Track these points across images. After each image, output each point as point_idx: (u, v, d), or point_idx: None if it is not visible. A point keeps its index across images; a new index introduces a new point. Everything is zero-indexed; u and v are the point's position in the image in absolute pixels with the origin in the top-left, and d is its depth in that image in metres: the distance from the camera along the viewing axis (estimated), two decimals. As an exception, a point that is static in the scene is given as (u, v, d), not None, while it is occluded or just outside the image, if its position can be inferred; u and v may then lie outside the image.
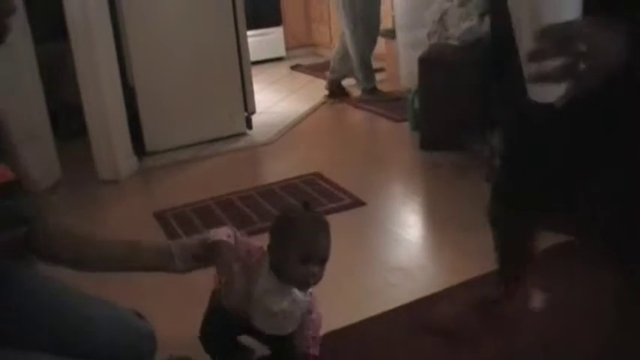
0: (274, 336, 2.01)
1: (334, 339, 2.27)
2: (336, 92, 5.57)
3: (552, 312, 2.35)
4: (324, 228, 1.89)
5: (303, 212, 1.92)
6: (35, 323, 1.30)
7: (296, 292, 1.90)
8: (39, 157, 3.63)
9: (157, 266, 1.59)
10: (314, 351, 2.02)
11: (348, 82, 5.66)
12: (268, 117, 5.16)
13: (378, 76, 5.69)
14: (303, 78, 6.54)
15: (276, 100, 5.70)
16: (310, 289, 1.95)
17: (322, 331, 2.23)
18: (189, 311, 2.48)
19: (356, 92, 5.60)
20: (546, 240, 2.78)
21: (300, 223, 1.88)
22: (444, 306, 2.41)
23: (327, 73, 5.64)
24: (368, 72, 5.42)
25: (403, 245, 3.00)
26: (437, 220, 3.27)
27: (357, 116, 5.24)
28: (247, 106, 4.75)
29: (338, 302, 2.49)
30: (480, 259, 2.71)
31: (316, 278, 1.86)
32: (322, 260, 1.85)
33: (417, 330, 2.32)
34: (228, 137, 4.63)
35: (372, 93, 5.44)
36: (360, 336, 2.31)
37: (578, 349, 2.14)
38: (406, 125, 4.63)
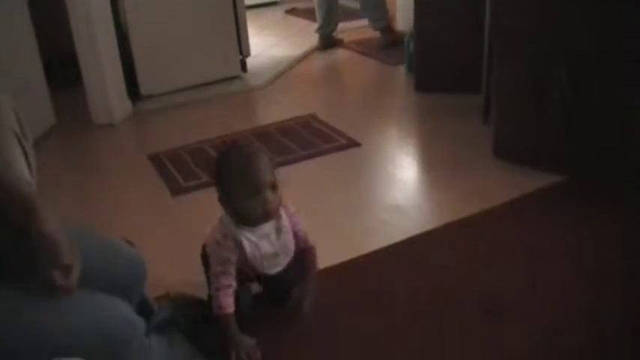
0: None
1: (329, 276, 2.30)
2: (328, 44, 5.45)
3: (542, 253, 2.38)
4: (256, 155, 1.90)
5: (231, 151, 1.94)
6: (14, 254, 1.30)
7: (269, 225, 1.93)
8: (33, 105, 3.61)
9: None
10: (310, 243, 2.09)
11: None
12: (263, 60, 5.11)
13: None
14: (298, 22, 6.46)
15: (271, 44, 5.64)
16: (282, 212, 1.97)
17: (319, 267, 2.27)
18: (183, 251, 2.51)
19: (347, 38, 5.54)
20: (540, 180, 2.81)
21: (231, 164, 1.90)
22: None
23: (317, 29, 5.48)
24: (378, 10, 5.26)
25: (398, 185, 3.01)
26: (431, 160, 3.27)
27: (352, 60, 5.20)
28: (242, 48, 4.71)
29: (333, 240, 2.51)
30: (474, 198, 2.74)
31: (273, 204, 1.87)
32: (271, 186, 1.86)
33: (412, 267, 2.35)
34: (223, 80, 4.59)
35: (385, 32, 5.28)
36: (354, 273, 2.34)
37: (570, 289, 2.17)
38: (402, 68, 4.61)
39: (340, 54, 5.36)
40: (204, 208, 2.85)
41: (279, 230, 1.96)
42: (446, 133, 3.49)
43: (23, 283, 1.24)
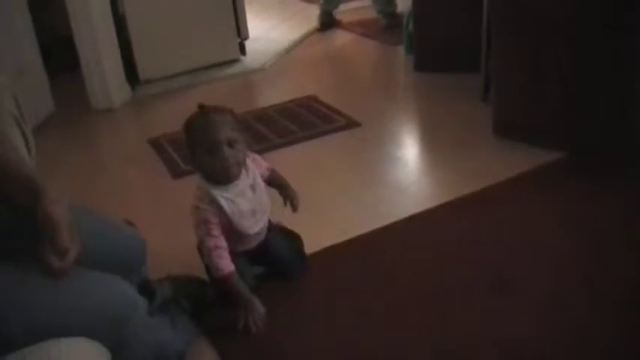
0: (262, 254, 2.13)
1: (330, 254, 2.31)
2: (327, 23, 5.45)
3: (543, 229, 2.39)
4: (214, 114, 1.95)
5: (195, 113, 1.99)
6: (16, 234, 1.31)
7: (243, 178, 2.00)
8: (31, 91, 3.60)
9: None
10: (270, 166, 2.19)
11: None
12: (262, 43, 5.09)
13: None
14: (296, 5, 6.43)
15: (270, 27, 5.62)
16: (248, 160, 2.04)
17: (316, 249, 2.28)
18: (185, 233, 2.52)
19: (345, 19, 5.53)
20: (540, 157, 2.81)
21: (193, 124, 1.96)
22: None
23: (319, 5, 5.50)
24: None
25: (398, 164, 3.01)
26: (431, 139, 3.27)
27: (351, 41, 5.19)
28: (240, 31, 4.69)
29: (333, 219, 2.52)
30: (475, 176, 2.74)
31: (231, 160, 1.92)
32: (228, 142, 1.91)
33: (413, 245, 2.36)
34: (222, 63, 4.58)
35: (392, 17, 5.27)
36: (355, 251, 2.34)
37: (572, 263, 2.18)
38: (401, 49, 4.60)
39: (339, 35, 5.35)
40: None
41: (253, 187, 2.03)
42: (445, 112, 3.49)
43: (21, 263, 1.24)
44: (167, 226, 2.60)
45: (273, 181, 2.21)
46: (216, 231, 1.95)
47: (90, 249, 1.29)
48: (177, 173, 3.07)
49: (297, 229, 2.27)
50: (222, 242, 1.95)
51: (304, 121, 3.52)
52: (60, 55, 4.41)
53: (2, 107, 1.71)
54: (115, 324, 1.35)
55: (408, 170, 2.96)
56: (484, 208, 2.55)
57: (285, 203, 2.20)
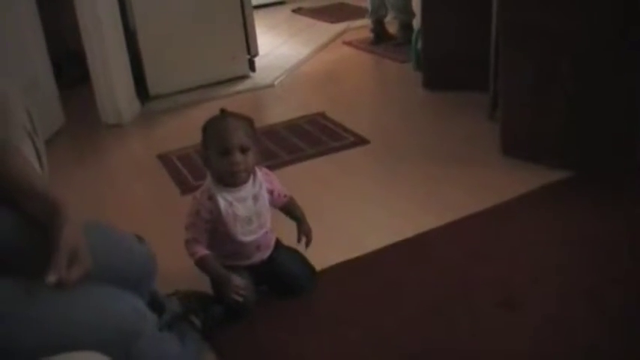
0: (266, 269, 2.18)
1: (336, 273, 2.32)
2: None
3: (550, 247, 2.39)
4: (233, 121, 2.02)
5: (215, 116, 2.06)
6: (31, 250, 1.31)
7: (248, 187, 2.06)
8: (42, 104, 3.62)
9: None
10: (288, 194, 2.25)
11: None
12: (271, 60, 5.13)
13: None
14: (304, 21, 6.47)
15: (279, 44, 5.65)
16: (259, 172, 2.11)
17: (325, 265, 2.29)
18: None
19: (354, 36, 5.54)
20: (547, 176, 2.82)
21: (211, 125, 2.04)
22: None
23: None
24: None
25: (406, 181, 3.01)
26: (440, 157, 3.27)
27: (359, 58, 5.21)
28: (250, 48, 4.72)
29: (340, 237, 2.53)
30: (482, 194, 2.75)
31: (241, 165, 1.99)
32: (240, 148, 1.98)
33: (420, 262, 2.36)
34: (231, 80, 4.61)
35: (406, 28, 5.12)
36: (362, 269, 2.35)
37: (578, 281, 2.18)
38: (409, 66, 4.61)
39: (347, 51, 5.37)
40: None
41: (256, 197, 2.08)
42: (453, 129, 3.50)
43: (33, 277, 1.24)
44: (175, 241, 2.59)
45: (291, 211, 2.26)
46: (202, 226, 2.04)
47: (101, 263, 1.30)
48: (185, 189, 3.08)
49: (302, 248, 2.28)
50: (202, 237, 2.05)
51: (313, 137, 3.54)
52: (71, 69, 4.45)
53: (15, 121, 1.72)
54: (125, 338, 1.35)
55: (416, 188, 2.96)
56: (491, 225, 2.55)
57: (299, 239, 2.24)
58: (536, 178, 2.82)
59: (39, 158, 1.79)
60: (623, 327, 1.94)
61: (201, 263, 2.06)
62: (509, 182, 2.83)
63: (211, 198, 2.02)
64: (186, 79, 4.45)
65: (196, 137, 3.57)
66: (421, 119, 3.83)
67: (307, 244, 2.24)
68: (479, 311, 2.06)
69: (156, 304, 1.75)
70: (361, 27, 5.75)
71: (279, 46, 5.57)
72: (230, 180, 2.02)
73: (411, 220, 2.63)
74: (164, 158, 3.44)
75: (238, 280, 2.05)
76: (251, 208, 2.07)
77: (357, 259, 2.39)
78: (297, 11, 6.93)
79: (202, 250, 2.04)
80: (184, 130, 3.85)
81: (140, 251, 1.67)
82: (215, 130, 2.02)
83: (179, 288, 2.12)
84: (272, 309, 2.14)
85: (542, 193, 2.74)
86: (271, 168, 3.10)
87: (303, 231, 2.24)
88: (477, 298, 2.12)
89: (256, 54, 4.86)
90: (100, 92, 3.99)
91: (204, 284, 2.17)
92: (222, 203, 2.01)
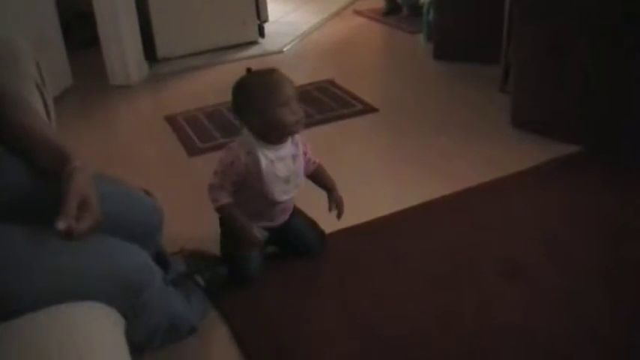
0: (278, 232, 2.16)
1: (342, 238, 2.31)
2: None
3: (556, 220, 2.38)
4: (277, 71, 2.01)
5: (256, 72, 2.04)
6: (43, 200, 1.31)
7: (288, 146, 2.04)
8: (50, 64, 3.59)
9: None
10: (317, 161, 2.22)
11: None
12: (281, 26, 5.09)
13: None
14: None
15: (289, 11, 5.61)
16: (298, 140, 2.09)
17: (334, 228, 2.28)
18: (199, 209, 2.53)
19: (365, 6, 5.51)
20: (557, 149, 2.80)
21: (259, 80, 1.99)
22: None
23: None
24: None
25: (414, 151, 3.00)
26: (449, 127, 3.25)
27: (370, 28, 5.17)
28: (260, 14, 4.69)
29: (347, 203, 2.50)
30: (491, 166, 2.73)
31: (300, 114, 1.98)
32: (296, 98, 1.99)
33: (426, 231, 2.36)
34: (240, 45, 4.58)
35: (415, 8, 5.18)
36: (369, 235, 2.35)
37: (583, 253, 2.17)
38: (420, 37, 4.58)
39: (358, 21, 5.33)
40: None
41: (295, 157, 2.06)
42: (464, 101, 3.47)
43: (43, 226, 1.24)
44: (181, 202, 2.61)
45: (320, 179, 2.22)
46: (231, 177, 1.99)
47: (110, 213, 1.29)
48: (192, 151, 3.07)
49: (314, 210, 2.26)
50: (228, 187, 2.00)
51: (322, 104, 3.52)
52: (80, 30, 4.42)
53: (25, 72, 1.71)
54: (133, 290, 1.35)
55: (424, 157, 2.95)
56: (498, 197, 2.54)
57: (330, 208, 2.20)
58: (546, 152, 2.80)
59: (47, 111, 1.78)
60: (626, 305, 1.93)
61: (223, 210, 2.01)
62: (518, 155, 2.81)
63: (250, 153, 1.97)
64: (194, 43, 4.42)
65: (204, 100, 3.62)
66: (431, 90, 3.80)
67: (339, 215, 2.20)
68: (482, 280, 2.06)
69: (161, 261, 1.75)
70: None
71: (289, 13, 5.53)
72: (286, 132, 1.99)
73: (418, 188, 2.62)
74: (171, 120, 3.42)
75: (259, 232, 2.04)
76: (290, 167, 2.04)
77: (363, 225, 2.39)
78: (308, -21, 6.87)
79: (226, 198, 2.00)
80: (192, 93, 3.84)
81: (148, 203, 1.66)
82: (267, 83, 1.96)
83: (184, 247, 2.12)
84: (276, 272, 2.14)
85: (552, 167, 2.72)
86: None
87: (335, 201, 2.19)
88: (482, 268, 2.12)
89: (266, 20, 4.83)
90: (109, 53, 3.97)
91: (209, 244, 2.17)
92: (263, 160, 1.97)
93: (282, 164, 2.01)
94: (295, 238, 2.21)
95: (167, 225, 1.82)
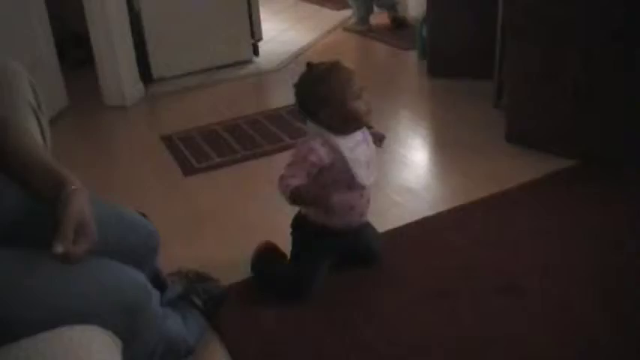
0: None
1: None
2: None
3: (553, 235, 2.38)
4: (341, 62, 2.07)
5: (318, 66, 2.06)
6: (39, 224, 1.31)
7: (359, 132, 2.06)
8: (45, 85, 3.60)
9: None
10: None
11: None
12: (275, 45, 5.11)
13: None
14: (309, 8, 6.46)
15: (283, 29, 5.64)
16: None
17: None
18: (196, 229, 2.53)
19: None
20: (552, 164, 2.81)
21: (332, 75, 2.02)
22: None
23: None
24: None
25: (410, 167, 3.01)
26: (443, 144, 3.27)
27: (364, 45, 5.19)
28: (254, 33, 4.71)
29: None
30: (486, 181, 2.74)
31: (370, 104, 2.03)
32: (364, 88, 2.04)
33: (423, 247, 2.36)
34: (235, 64, 4.60)
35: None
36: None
37: (580, 269, 2.17)
38: (413, 54, 4.60)
39: (352, 39, 5.35)
40: (216, 189, 2.88)
41: (367, 141, 2.09)
42: (458, 117, 3.49)
43: (36, 250, 1.24)
44: (177, 222, 2.61)
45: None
46: (306, 167, 1.98)
47: (106, 237, 1.29)
48: (188, 170, 3.07)
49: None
50: (300, 177, 1.97)
51: (316, 122, 3.52)
52: (74, 51, 4.44)
53: (21, 96, 1.72)
54: (129, 312, 1.35)
55: (420, 174, 2.96)
56: (494, 212, 2.55)
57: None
58: (541, 167, 2.81)
59: (43, 135, 1.78)
60: (624, 319, 1.93)
61: (297, 191, 1.95)
62: (513, 170, 2.82)
63: (326, 143, 1.98)
64: (189, 62, 4.43)
65: (199, 119, 3.63)
66: (426, 106, 3.82)
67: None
68: (480, 296, 2.06)
69: (158, 282, 1.75)
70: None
71: (283, 32, 5.56)
72: (361, 122, 2.02)
73: (414, 205, 2.63)
74: (167, 140, 3.43)
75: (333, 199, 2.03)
76: (366, 151, 2.07)
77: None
78: (302, -2, 6.91)
79: (298, 181, 1.96)
80: (187, 113, 3.85)
81: (144, 227, 1.66)
82: (341, 78, 2.00)
83: (181, 268, 2.11)
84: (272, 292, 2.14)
85: (547, 182, 2.73)
86: (274, 152, 3.14)
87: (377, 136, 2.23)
88: (479, 284, 2.12)
89: (260, 38, 4.84)
90: (104, 73, 3.98)
91: (205, 265, 2.16)
92: (345, 149, 1.99)
93: (360, 150, 2.04)
94: (365, 245, 2.23)
95: (163, 246, 1.82)
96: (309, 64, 2.07)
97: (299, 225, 2.18)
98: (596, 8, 2.65)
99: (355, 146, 2.02)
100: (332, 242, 2.13)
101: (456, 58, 3.98)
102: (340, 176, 2.02)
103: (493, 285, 2.11)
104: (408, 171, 2.98)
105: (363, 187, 2.08)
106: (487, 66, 3.54)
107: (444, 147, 3.25)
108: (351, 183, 2.04)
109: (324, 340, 1.93)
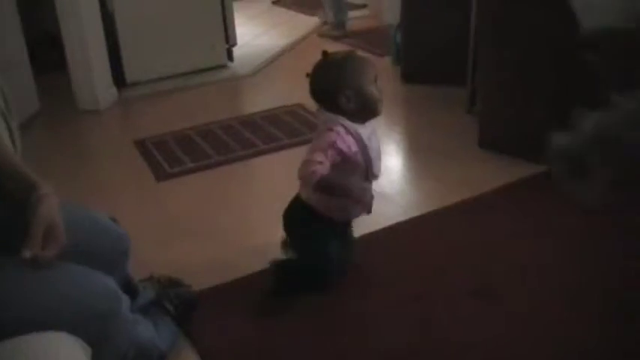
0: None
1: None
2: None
3: (528, 238, 2.40)
4: (355, 51, 2.18)
5: (335, 54, 2.11)
6: (8, 228, 1.29)
7: (369, 126, 2.07)
8: (16, 88, 3.55)
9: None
10: None
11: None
12: (249, 50, 5.10)
13: (360, 13, 5.74)
14: (284, 13, 6.45)
15: (258, 34, 5.63)
16: None
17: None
18: (168, 235, 2.51)
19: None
20: (524, 169, 2.83)
21: (349, 62, 2.06)
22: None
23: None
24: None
25: (384, 173, 2.99)
26: (416, 149, 3.28)
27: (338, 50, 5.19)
28: (229, 37, 4.69)
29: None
30: (459, 187, 2.75)
31: (382, 94, 2.06)
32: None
33: (397, 253, 2.36)
34: (209, 69, 4.57)
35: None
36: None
37: (553, 273, 2.19)
38: (388, 60, 4.61)
39: (327, 45, 5.35)
40: (189, 194, 2.86)
41: (375, 132, 2.10)
42: (432, 123, 3.50)
43: (4, 254, 1.22)
44: (150, 227, 2.59)
45: None
46: (332, 154, 1.95)
47: (76, 241, 1.28)
48: (161, 175, 3.05)
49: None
50: (328, 164, 1.94)
51: (290, 128, 3.52)
52: (47, 53, 4.38)
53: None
54: (99, 317, 1.33)
55: (394, 179, 2.96)
56: (468, 217, 2.56)
57: None
58: (514, 172, 2.83)
59: (12, 139, 1.76)
60: (600, 319, 1.95)
61: (323, 180, 1.93)
62: (486, 175, 2.84)
63: (349, 132, 1.98)
64: (163, 67, 4.40)
65: (173, 124, 3.61)
66: (399, 112, 3.83)
67: None
68: (453, 300, 2.07)
69: (129, 289, 1.74)
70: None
71: (257, 37, 5.55)
72: (377, 110, 2.05)
73: (387, 211, 2.62)
74: (140, 145, 3.41)
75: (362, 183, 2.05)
76: (377, 142, 2.09)
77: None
78: (277, 3, 6.91)
79: (326, 170, 1.93)
80: (161, 118, 3.82)
81: (114, 231, 1.65)
82: (357, 64, 2.03)
83: (153, 274, 2.10)
84: (247, 295, 2.13)
85: (520, 187, 2.75)
86: (248, 157, 3.14)
87: None
88: (452, 288, 2.13)
89: (234, 43, 4.82)
90: (77, 77, 3.95)
91: (177, 270, 2.14)
92: (365, 136, 2.01)
93: (374, 139, 2.06)
94: (348, 241, 2.25)
95: (135, 251, 1.80)
96: (324, 53, 2.08)
97: (302, 217, 2.15)
98: (568, 14, 2.67)
99: (371, 135, 2.05)
100: (332, 230, 2.14)
101: (430, 64, 3.99)
102: (358, 166, 2.03)
103: (468, 289, 2.11)
104: (382, 176, 2.96)
105: (375, 178, 2.12)
106: (461, 72, 3.57)
107: (417, 152, 3.26)
108: (367, 173, 2.06)
109: (298, 346, 1.92)
